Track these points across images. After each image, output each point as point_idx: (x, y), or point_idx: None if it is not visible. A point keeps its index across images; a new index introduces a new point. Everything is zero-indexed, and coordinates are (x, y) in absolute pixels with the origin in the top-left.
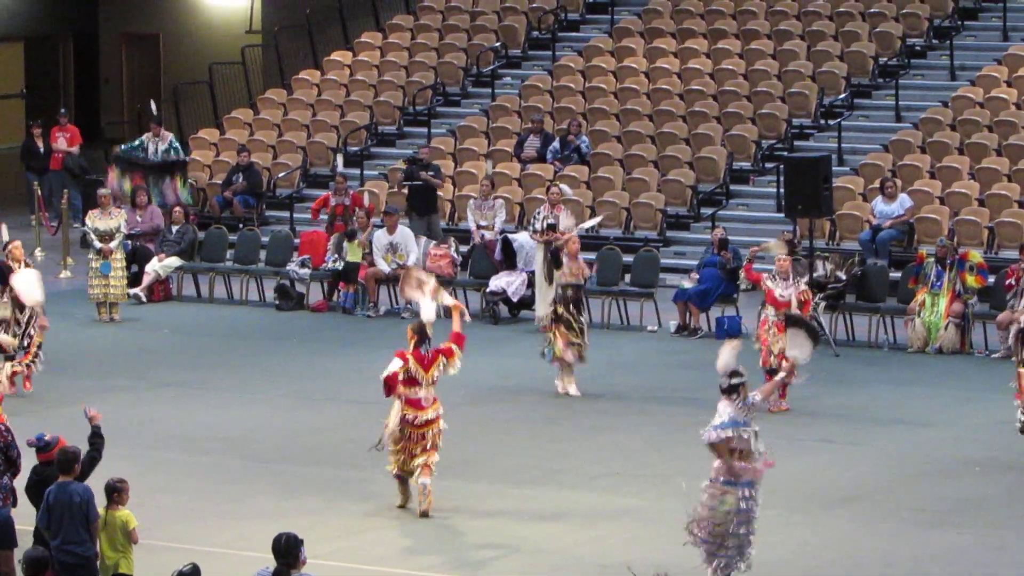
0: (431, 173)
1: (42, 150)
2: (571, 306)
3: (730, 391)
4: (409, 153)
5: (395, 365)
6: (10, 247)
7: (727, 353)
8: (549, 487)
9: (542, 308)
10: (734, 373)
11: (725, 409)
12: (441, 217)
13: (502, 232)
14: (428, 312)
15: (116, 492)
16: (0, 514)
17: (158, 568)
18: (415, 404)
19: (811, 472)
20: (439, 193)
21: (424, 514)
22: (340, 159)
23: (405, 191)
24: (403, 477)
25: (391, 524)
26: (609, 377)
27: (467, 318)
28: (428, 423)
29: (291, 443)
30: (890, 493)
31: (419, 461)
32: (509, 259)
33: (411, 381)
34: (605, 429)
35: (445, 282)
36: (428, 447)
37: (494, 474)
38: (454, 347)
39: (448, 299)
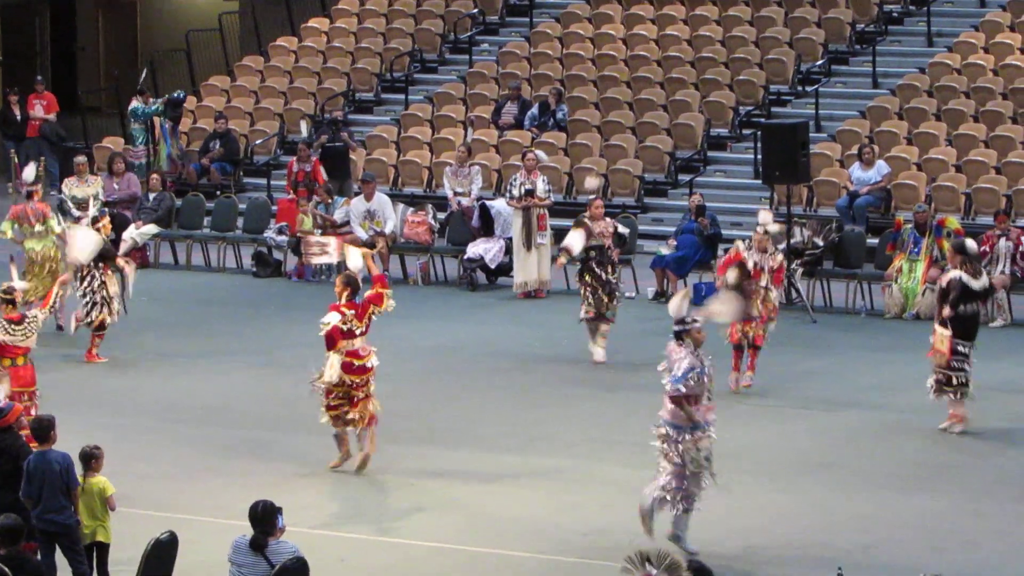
0: (346, 134)
1: (19, 117)
2: (596, 268)
3: (678, 336)
4: (386, 120)
5: (333, 318)
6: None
7: (678, 300)
8: (526, 454)
9: (520, 275)
10: (682, 320)
11: (681, 357)
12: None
13: (479, 199)
14: (354, 261)
15: (92, 459)
16: None
17: (135, 536)
18: (353, 355)
19: (787, 438)
20: (352, 157)
21: (365, 459)
22: (304, 125)
23: (317, 154)
24: (340, 434)
25: (369, 492)
26: (585, 343)
27: (380, 254)
28: (367, 370)
29: (269, 411)
30: (866, 459)
31: (358, 411)
32: (487, 226)
33: (348, 334)
34: (583, 396)
35: (422, 248)
36: (369, 394)
37: (471, 441)
38: (381, 290)
39: (356, 251)
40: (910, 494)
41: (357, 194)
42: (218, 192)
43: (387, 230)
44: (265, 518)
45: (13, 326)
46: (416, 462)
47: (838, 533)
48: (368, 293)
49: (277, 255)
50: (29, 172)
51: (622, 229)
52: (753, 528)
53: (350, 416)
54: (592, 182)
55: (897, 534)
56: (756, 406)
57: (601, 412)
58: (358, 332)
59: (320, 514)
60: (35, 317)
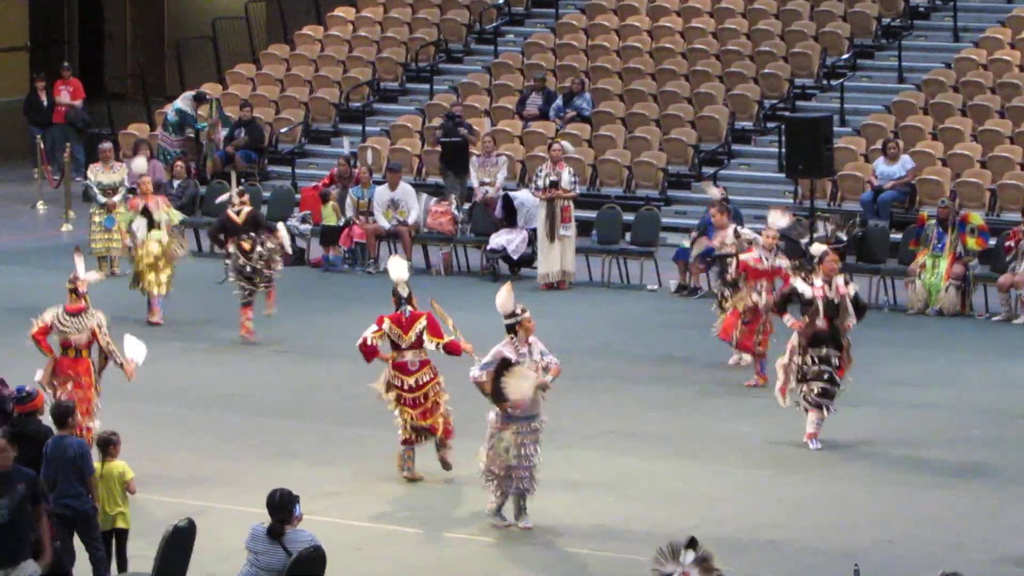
0: (466, 130)
1: (45, 103)
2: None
3: (509, 330)
4: (411, 110)
5: (368, 330)
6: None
7: (504, 294)
8: (544, 446)
9: (543, 266)
10: (512, 314)
11: (496, 348)
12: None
13: (503, 189)
14: (396, 271)
15: (109, 444)
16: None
17: (154, 523)
18: (402, 368)
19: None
20: (471, 151)
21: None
22: (346, 142)
23: (439, 148)
24: (410, 441)
25: (386, 482)
26: (607, 336)
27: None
28: (420, 387)
29: (288, 399)
30: (887, 455)
31: (426, 423)
32: (510, 216)
33: (396, 345)
34: (601, 388)
35: (445, 239)
36: (429, 410)
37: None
38: (448, 340)
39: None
40: (930, 490)
41: (380, 183)
42: (242, 180)
43: (410, 220)
44: (283, 506)
45: (69, 317)
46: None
47: (858, 528)
48: (433, 321)
49: (300, 243)
50: (140, 164)
51: (741, 230)
52: (773, 523)
53: (420, 424)
54: (714, 191)
55: (916, 530)
56: (773, 400)
57: (620, 404)
58: (404, 345)
59: (338, 503)
60: (94, 314)
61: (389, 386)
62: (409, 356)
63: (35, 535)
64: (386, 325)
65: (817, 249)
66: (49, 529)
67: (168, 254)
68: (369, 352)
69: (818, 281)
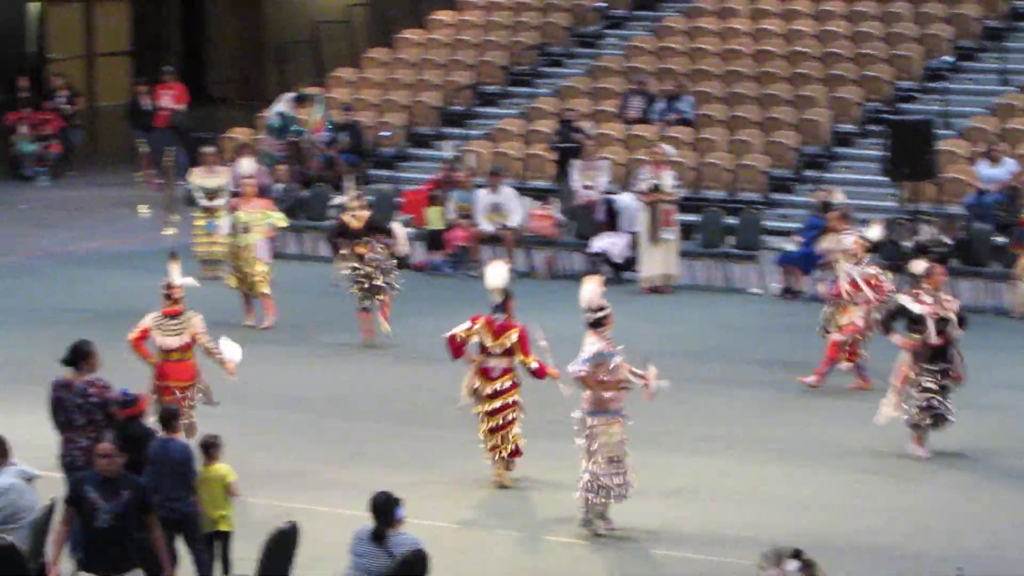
0: (581, 135)
1: (148, 108)
2: None
3: (595, 325)
4: (513, 113)
5: (459, 327)
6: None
7: (590, 288)
8: (648, 450)
9: (646, 269)
10: (600, 308)
11: (591, 343)
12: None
13: (606, 193)
14: (491, 278)
15: (212, 447)
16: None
17: (257, 526)
18: (486, 373)
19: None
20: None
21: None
22: (448, 145)
23: (555, 156)
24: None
25: (488, 486)
26: (712, 339)
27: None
28: (495, 395)
29: (392, 403)
30: (990, 459)
31: (492, 442)
32: (612, 220)
33: (483, 348)
34: (707, 392)
35: (547, 242)
36: (499, 425)
37: None
38: (536, 362)
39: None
40: None
41: (482, 186)
42: (345, 184)
43: (512, 223)
44: (386, 509)
45: (168, 321)
46: (538, 460)
47: (962, 533)
48: (524, 339)
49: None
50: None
51: (869, 234)
52: (872, 529)
53: (488, 443)
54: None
55: (1021, 536)
56: (877, 404)
57: (724, 408)
58: (491, 351)
59: (441, 507)
60: (189, 317)
61: (471, 391)
62: (493, 363)
63: (146, 544)
64: (478, 325)
65: (919, 266)
66: (163, 544)
67: (245, 258)
68: (455, 347)
69: (927, 297)
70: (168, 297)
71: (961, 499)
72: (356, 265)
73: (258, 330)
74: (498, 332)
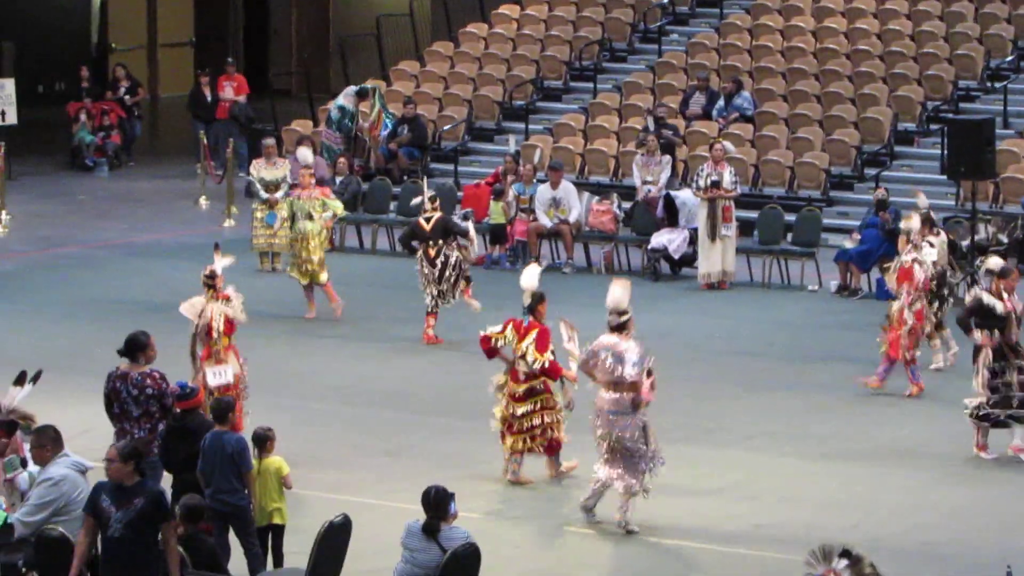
0: (671, 132)
1: (209, 99)
2: None
3: (619, 328)
4: (574, 108)
5: (493, 327)
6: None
7: (618, 291)
8: (704, 445)
9: (704, 266)
10: (623, 312)
11: (631, 346)
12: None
13: (666, 188)
14: (524, 278)
15: (266, 440)
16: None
17: (310, 519)
18: (514, 376)
19: (964, 436)
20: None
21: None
22: (512, 140)
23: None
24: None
25: (541, 480)
26: (769, 336)
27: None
28: (518, 399)
29: (448, 397)
30: None
31: (520, 446)
32: (671, 216)
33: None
34: (762, 389)
35: (606, 237)
36: (522, 429)
37: None
38: (548, 360)
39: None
40: None
41: (543, 181)
42: (405, 177)
43: (571, 218)
44: (438, 503)
45: (228, 303)
46: (589, 452)
47: (1013, 532)
48: (545, 340)
49: (462, 242)
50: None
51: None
52: (928, 523)
53: (509, 442)
54: (923, 200)
55: None
56: (932, 403)
57: (781, 405)
58: (517, 354)
59: (492, 501)
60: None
61: (499, 388)
62: (522, 366)
63: (161, 555)
64: (509, 328)
65: (996, 263)
66: (177, 555)
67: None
68: (488, 349)
69: (1005, 295)
70: (210, 287)
71: (1010, 498)
72: (426, 267)
73: (320, 321)
74: (523, 334)
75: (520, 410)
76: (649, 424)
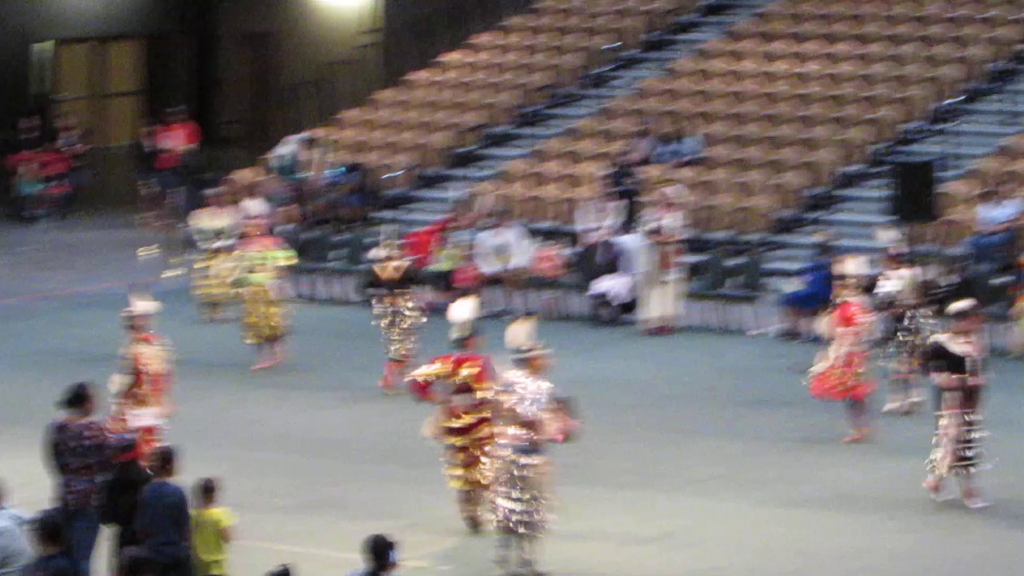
0: (632, 181)
1: (155, 148)
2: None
3: (523, 363)
4: (523, 153)
5: (421, 369)
6: None
7: (518, 330)
8: (646, 490)
9: (646, 311)
10: (528, 348)
11: (535, 384)
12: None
13: (609, 234)
14: (453, 312)
15: (209, 491)
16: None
17: (250, 569)
18: (453, 411)
19: (910, 479)
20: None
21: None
22: (453, 187)
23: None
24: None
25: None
26: (710, 381)
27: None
28: (461, 432)
29: (388, 444)
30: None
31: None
32: (614, 262)
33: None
34: (704, 433)
35: (548, 283)
36: (473, 460)
37: (591, 477)
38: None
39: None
40: None
41: (485, 228)
42: (344, 226)
43: (514, 265)
44: (380, 552)
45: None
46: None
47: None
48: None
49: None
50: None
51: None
52: (871, 567)
53: (461, 478)
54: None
55: None
56: (874, 447)
57: (723, 449)
58: (452, 389)
59: (432, 550)
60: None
61: (437, 430)
62: (457, 399)
63: None
64: (438, 365)
65: (962, 305)
66: None
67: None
68: (419, 389)
69: (963, 337)
70: (130, 327)
71: (955, 541)
72: (385, 316)
73: (263, 369)
74: (456, 366)
75: (460, 442)
76: (545, 470)
